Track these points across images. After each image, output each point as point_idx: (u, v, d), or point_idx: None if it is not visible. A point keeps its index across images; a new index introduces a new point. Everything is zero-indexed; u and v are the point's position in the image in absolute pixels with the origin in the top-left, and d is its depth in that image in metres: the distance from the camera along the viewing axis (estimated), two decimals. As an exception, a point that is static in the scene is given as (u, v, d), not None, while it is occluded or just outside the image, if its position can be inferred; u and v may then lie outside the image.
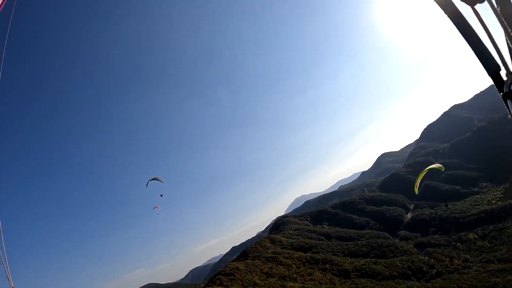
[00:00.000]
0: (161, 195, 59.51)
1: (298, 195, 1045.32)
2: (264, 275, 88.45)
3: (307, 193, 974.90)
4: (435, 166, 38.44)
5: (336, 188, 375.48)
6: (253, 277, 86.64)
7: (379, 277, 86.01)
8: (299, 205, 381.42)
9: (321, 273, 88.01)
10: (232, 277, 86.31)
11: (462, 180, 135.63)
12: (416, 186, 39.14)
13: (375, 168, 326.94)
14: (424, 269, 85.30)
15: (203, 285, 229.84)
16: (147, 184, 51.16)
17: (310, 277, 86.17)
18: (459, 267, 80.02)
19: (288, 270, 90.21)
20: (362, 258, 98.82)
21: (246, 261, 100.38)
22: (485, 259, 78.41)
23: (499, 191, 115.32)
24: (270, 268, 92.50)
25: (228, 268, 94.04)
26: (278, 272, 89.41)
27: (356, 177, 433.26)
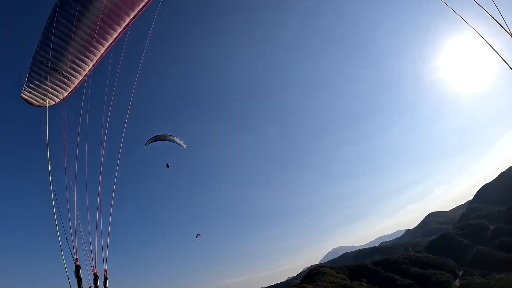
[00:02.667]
0: (167, 165, 50.30)
1: (336, 246, 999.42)
2: None
3: (346, 245, 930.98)
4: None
5: (377, 244, 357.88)
6: None
7: None
8: (336, 256, 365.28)
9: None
10: None
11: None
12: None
13: (421, 227, 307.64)
14: None
15: None
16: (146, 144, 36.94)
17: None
18: None
19: None
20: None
21: None
22: None
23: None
24: None
25: None
26: None
27: (399, 235, 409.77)
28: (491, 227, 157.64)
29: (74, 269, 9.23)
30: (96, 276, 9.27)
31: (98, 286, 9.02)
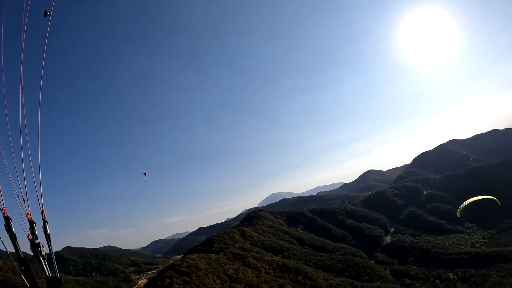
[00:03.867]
0: (145, 174, 68.41)
1: (275, 191, 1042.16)
2: (228, 279, 76.35)
3: (285, 191, 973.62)
4: (494, 199, 32.67)
5: (314, 193, 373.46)
6: (214, 281, 73.44)
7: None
8: (275, 201, 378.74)
9: (292, 286, 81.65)
10: (188, 278, 71.58)
11: (448, 215, 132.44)
12: (461, 209, 33.18)
13: (358, 182, 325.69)
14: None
15: (160, 260, 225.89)
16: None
17: (280, 290, 78.90)
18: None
19: (257, 276, 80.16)
20: (336, 274, 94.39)
21: (210, 255, 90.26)
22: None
23: (485, 235, 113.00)
24: (236, 270, 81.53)
25: (185, 264, 77.82)
26: (245, 277, 78.27)
27: (336, 187, 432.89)
28: (424, 192, 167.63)
29: (4, 222, 6.55)
30: (32, 223, 6.84)
31: (36, 234, 6.69)
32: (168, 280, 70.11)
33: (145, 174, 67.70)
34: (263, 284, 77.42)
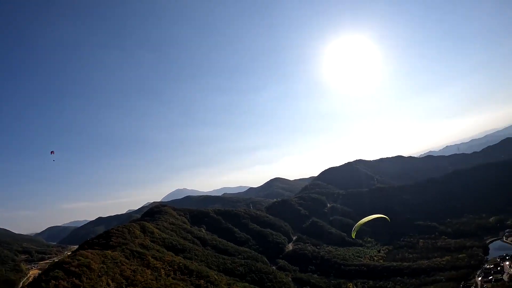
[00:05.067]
0: (52, 152, 67.57)
1: (180, 187, 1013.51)
2: (124, 281, 63.52)
3: (190, 188, 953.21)
4: (384, 217, 32.59)
5: (220, 193, 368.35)
6: (108, 284, 60.23)
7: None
8: (179, 197, 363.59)
9: (193, 291, 71.40)
10: (78, 281, 56.92)
11: (349, 229, 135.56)
12: (356, 230, 32.60)
13: (264, 188, 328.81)
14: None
15: (54, 249, 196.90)
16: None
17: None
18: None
19: (157, 279, 67.96)
20: (238, 279, 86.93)
21: (106, 251, 75.38)
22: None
23: (383, 250, 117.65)
24: (134, 271, 68.69)
25: (76, 262, 62.66)
26: (143, 279, 65.93)
27: (242, 190, 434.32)
28: (328, 205, 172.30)
29: None
30: None
31: None
32: (54, 281, 54.11)
33: (52, 152, 66.42)
34: (163, 288, 65.56)
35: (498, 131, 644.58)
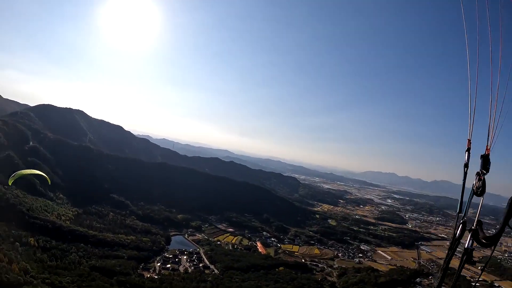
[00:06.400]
0: None
1: None
2: None
3: None
4: (46, 177, 36.71)
5: None
6: None
7: None
8: None
9: None
10: None
11: (43, 178, 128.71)
12: (15, 178, 33.07)
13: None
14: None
15: None
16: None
17: None
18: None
19: None
20: None
21: None
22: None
23: (72, 210, 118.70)
24: None
25: None
26: None
27: None
28: (31, 144, 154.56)
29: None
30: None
31: None
32: None
33: None
34: None
35: (211, 148, 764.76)
